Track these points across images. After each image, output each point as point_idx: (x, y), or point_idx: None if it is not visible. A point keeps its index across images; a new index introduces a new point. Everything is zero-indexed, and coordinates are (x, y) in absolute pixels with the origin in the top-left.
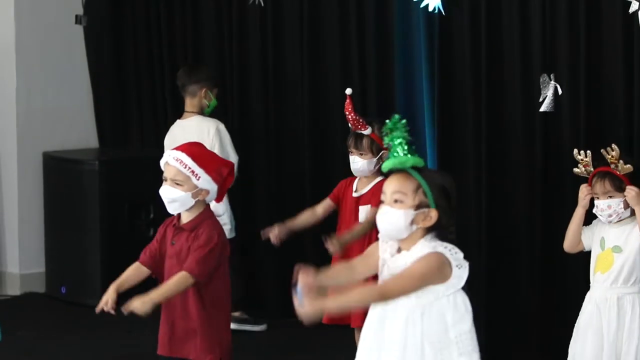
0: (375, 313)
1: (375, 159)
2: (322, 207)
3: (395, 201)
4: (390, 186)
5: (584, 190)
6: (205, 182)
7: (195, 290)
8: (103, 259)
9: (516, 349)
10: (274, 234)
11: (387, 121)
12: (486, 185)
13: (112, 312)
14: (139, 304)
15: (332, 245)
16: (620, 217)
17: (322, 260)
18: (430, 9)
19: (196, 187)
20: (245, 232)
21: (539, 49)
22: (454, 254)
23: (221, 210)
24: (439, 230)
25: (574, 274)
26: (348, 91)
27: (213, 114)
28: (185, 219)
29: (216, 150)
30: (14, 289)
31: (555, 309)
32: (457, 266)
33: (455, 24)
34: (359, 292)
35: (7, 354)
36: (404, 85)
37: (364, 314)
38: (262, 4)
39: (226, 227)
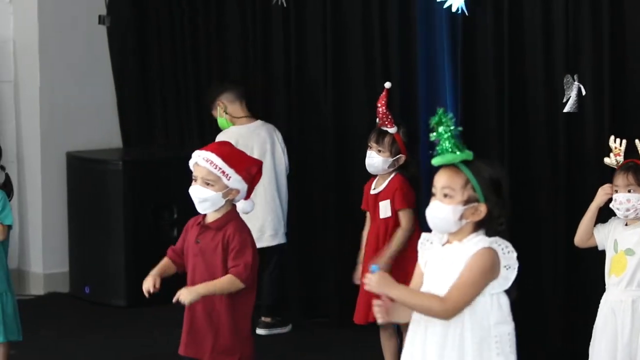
0: None
1: (391, 159)
2: (367, 220)
3: (445, 196)
4: (440, 181)
5: (605, 189)
6: (236, 181)
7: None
8: (126, 259)
9: (537, 348)
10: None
11: (433, 117)
12: (509, 185)
13: (155, 290)
14: (186, 292)
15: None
16: (638, 214)
17: (348, 262)
18: (454, 9)
19: (227, 187)
20: None
21: (562, 49)
22: (507, 254)
23: (249, 207)
24: (489, 223)
25: (596, 273)
26: (387, 84)
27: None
28: (211, 217)
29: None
30: (37, 289)
31: (576, 308)
32: (505, 267)
33: (478, 24)
34: (426, 298)
35: (30, 354)
36: (427, 85)
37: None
38: (285, 5)
39: (266, 233)
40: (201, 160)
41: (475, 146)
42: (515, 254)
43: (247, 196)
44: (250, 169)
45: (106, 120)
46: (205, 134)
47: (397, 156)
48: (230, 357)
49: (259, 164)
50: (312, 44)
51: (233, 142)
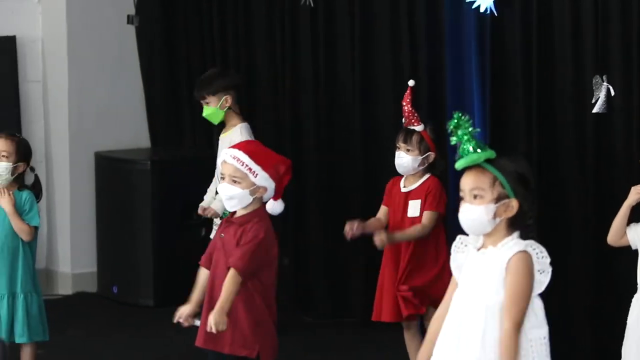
0: (454, 309)
1: (420, 158)
2: (382, 214)
3: (475, 197)
4: (467, 183)
5: (637, 188)
6: (263, 179)
7: (243, 286)
8: (154, 259)
9: (569, 349)
10: (351, 226)
11: (451, 121)
12: (537, 186)
13: (186, 324)
14: (216, 320)
15: (379, 239)
16: None
17: (372, 261)
18: (482, 9)
19: (254, 184)
20: (295, 231)
21: (591, 49)
22: (541, 259)
23: (278, 208)
24: (520, 218)
25: (627, 273)
26: (411, 82)
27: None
28: (239, 214)
29: None
30: (65, 289)
31: (607, 308)
32: (539, 271)
33: (506, 24)
34: (507, 345)
35: (58, 353)
36: (455, 86)
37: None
38: (312, 5)
39: None
40: (229, 157)
41: (504, 146)
42: (548, 260)
43: (277, 196)
44: (277, 167)
45: (134, 120)
46: None
47: (427, 154)
48: (249, 350)
49: (287, 162)
50: (340, 43)
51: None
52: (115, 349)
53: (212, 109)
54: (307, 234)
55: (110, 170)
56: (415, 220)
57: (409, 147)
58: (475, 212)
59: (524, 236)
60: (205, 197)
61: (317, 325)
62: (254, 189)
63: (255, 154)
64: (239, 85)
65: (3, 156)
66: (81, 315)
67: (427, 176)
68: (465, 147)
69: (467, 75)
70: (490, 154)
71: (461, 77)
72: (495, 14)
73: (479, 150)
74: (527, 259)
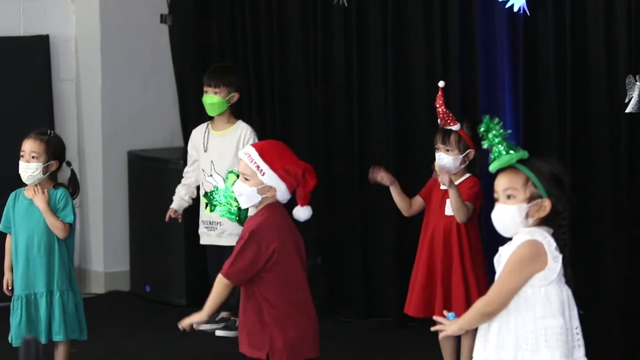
0: None
1: (461, 156)
2: (415, 202)
3: (508, 197)
4: (501, 184)
5: None
6: (271, 178)
7: (247, 287)
8: (187, 258)
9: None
10: (381, 175)
11: (481, 124)
12: (570, 186)
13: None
14: (187, 320)
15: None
16: None
17: (405, 260)
18: (515, 9)
19: (262, 183)
20: (328, 234)
21: (624, 49)
22: (551, 246)
23: (302, 215)
24: (553, 219)
25: None
26: (441, 84)
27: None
28: (251, 213)
29: None
30: (98, 287)
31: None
32: (553, 258)
33: (539, 24)
34: (473, 308)
35: (91, 352)
36: (488, 85)
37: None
38: (346, 5)
39: None
40: (242, 154)
41: (536, 147)
42: (554, 245)
43: (303, 202)
44: (290, 170)
45: (167, 119)
46: (266, 132)
47: (466, 151)
48: (259, 351)
49: (305, 167)
50: (373, 43)
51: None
52: (148, 347)
53: (219, 99)
54: (340, 233)
55: (143, 169)
56: (452, 219)
57: (448, 147)
58: (508, 212)
59: (556, 236)
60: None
61: (351, 325)
62: (262, 188)
63: (266, 153)
64: (241, 89)
65: (33, 157)
66: (113, 314)
67: (467, 176)
68: (497, 149)
69: (500, 76)
70: (523, 154)
71: (494, 77)
72: (528, 14)
73: (511, 152)
74: (530, 246)
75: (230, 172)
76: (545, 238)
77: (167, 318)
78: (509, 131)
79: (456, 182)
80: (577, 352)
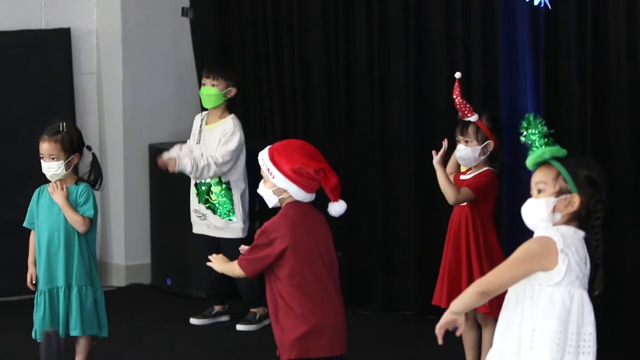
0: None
1: (479, 147)
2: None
3: (539, 191)
4: (534, 179)
5: None
6: (281, 181)
7: (267, 281)
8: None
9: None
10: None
11: (523, 122)
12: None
13: None
14: (217, 261)
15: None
16: None
17: (427, 254)
18: (536, 2)
19: (274, 185)
20: (349, 228)
21: None
22: (569, 247)
23: (334, 211)
24: (586, 218)
25: None
26: (457, 75)
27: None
28: None
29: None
30: (119, 280)
31: None
32: (563, 260)
33: (560, 18)
34: (464, 293)
35: (112, 345)
36: (509, 80)
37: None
38: None
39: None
40: (259, 156)
41: (558, 139)
42: (573, 247)
43: (334, 198)
44: (300, 171)
45: (188, 112)
46: (287, 126)
47: (485, 142)
48: (285, 353)
49: (316, 166)
50: (395, 38)
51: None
52: (170, 340)
53: (217, 91)
54: (361, 227)
55: None
56: (465, 208)
57: (467, 139)
58: (536, 205)
59: (588, 237)
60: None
61: (372, 318)
62: (276, 190)
63: (276, 156)
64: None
65: (52, 158)
66: (135, 307)
67: (484, 169)
68: (535, 146)
69: (522, 70)
70: (557, 150)
71: (515, 71)
72: (550, 7)
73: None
74: (540, 242)
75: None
76: (561, 237)
77: (188, 311)
78: (552, 131)
79: (471, 175)
80: (580, 357)
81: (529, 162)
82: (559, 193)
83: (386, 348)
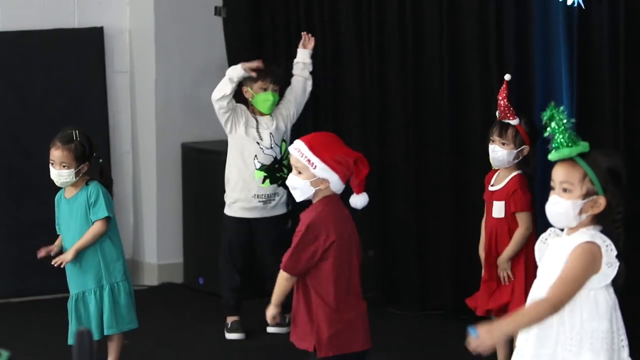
0: (530, 296)
1: (515, 151)
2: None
3: (564, 190)
4: (558, 175)
5: None
6: (322, 170)
7: (299, 278)
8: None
9: None
10: None
11: (545, 112)
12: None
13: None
14: (269, 314)
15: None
16: None
17: (459, 253)
18: (569, 2)
19: (314, 175)
20: (381, 223)
21: None
22: (609, 251)
23: (359, 203)
24: (607, 215)
25: None
26: (507, 77)
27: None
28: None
29: None
30: (151, 280)
31: None
32: (607, 264)
33: (594, 18)
34: (534, 309)
35: (145, 344)
36: (543, 79)
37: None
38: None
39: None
40: (292, 148)
41: (590, 139)
42: (615, 252)
43: (359, 190)
44: (341, 160)
45: None
46: (318, 124)
47: (521, 147)
48: (307, 343)
49: (355, 156)
50: (429, 35)
51: None
52: (202, 340)
53: (277, 97)
54: (394, 225)
55: (197, 162)
56: (501, 221)
57: (504, 141)
58: (563, 207)
59: (609, 230)
60: None
61: (404, 317)
62: (315, 181)
63: (315, 145)
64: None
65: (63, 166)
66: (167, 306)
67: (513, 174)
68: (558, 138)
69: (556, 69)
70: (583, 147)
71: (549, 70)
72: (583, 7)
73: (572, 145)
74: (591, 249)
75: (283, 140)
76: (604, 242)
77: (220, 310)
78: (573, 120)
79: (501, 184)
80: (622, 353)
81: (554, 157)
82: (585, 195)
83: (418, 347)
